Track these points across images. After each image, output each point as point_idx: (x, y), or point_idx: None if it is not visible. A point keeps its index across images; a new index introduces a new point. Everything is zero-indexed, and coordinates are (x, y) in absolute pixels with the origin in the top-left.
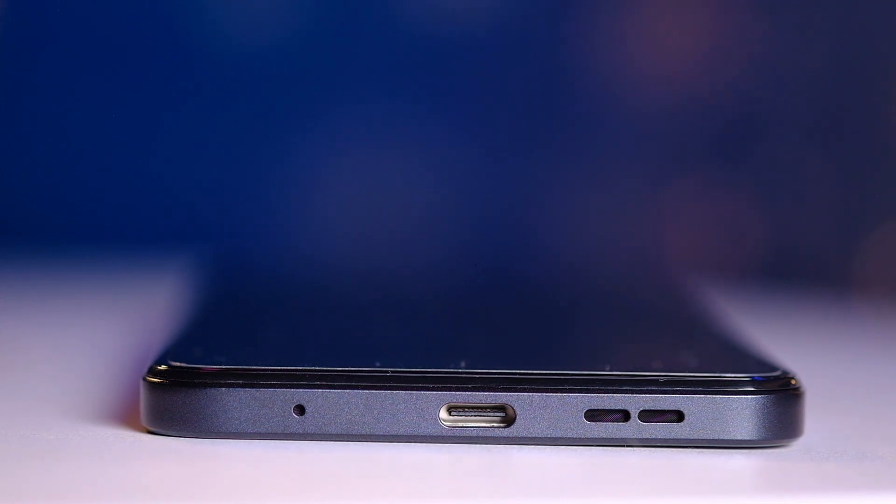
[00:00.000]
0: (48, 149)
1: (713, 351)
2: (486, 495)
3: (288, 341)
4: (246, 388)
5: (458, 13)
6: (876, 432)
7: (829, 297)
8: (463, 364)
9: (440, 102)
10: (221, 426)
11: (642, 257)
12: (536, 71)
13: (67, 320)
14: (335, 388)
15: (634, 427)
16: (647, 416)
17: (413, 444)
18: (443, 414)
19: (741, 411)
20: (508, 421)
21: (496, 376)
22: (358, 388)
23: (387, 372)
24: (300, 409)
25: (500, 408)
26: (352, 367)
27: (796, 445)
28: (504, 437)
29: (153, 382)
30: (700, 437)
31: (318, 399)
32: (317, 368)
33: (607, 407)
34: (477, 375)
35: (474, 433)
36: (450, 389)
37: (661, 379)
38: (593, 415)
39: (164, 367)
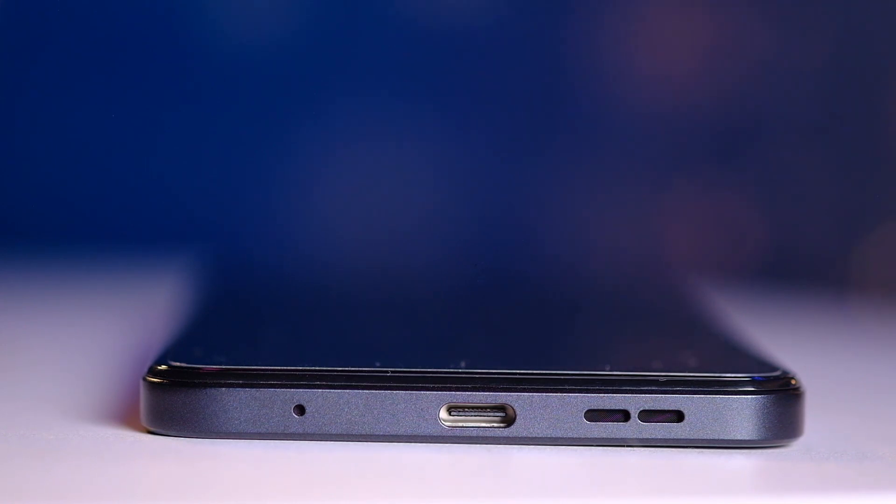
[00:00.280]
0: (48, 149)
1: (713, 351)
2: (486, 495)
3: (288, 341)
4: (246, 388)
5: (457, 13)
6: (876, 432)
7: (828, 298)
8: (463, 364)
9: (440, 102)
10: (221, 426)
11: (642, 257)
12: (536, 70)
13: (67, 320)
14: (335, 388)
15: (634, 427)
16: (647, 416)
17: (413, 444)
18: (443, 414)
19: (741, 411)
20: (508, 421)
21: (496, 376)
22: (358, 388)
23: (387, 372)
24: (300, 409)
25: (500, 408)
26: (352, 367)
27: (796, 445)
28: (504, 437)
29: (153, 382)
30: (700, 437)
31: (318, 399)
32: (317, 368)
33: (607, 407)
34: (477, 375)
35: (474, 433)
36: (450, 389)
37: (661, 379)
38: (593, 415)
39: (164, 367)
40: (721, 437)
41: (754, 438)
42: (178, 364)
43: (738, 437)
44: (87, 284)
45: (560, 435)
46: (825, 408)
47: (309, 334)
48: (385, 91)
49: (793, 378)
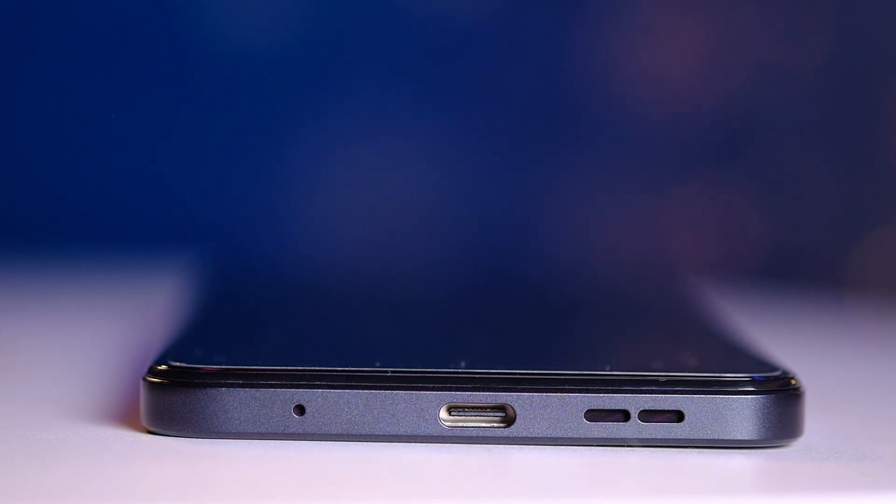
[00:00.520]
0: (48, 149)
1: (713, 351)
2: (486, 495)
3: (288, 341)
4: (246, 388)
5: (458, 12)
6: (876, 432)
7: (828, 298)
8: (463, 364)
9: (441, 102)
10: (221, 426)
11: (642, 257)
12: (536, 70)
13: (67, 320)
14: (335, 388)
15: (634, 427)
16: (647, 416)
17: (413, 444)
18: (443, 414)
19: (741, 411)
20: (508, 421)
21: (496, 376)
22: (358, 388)
23: (387, 372)
24: (300, 409)
25: (500, 408)
26: (352, 367)
27: (796, 445)
28: (504, 437)
29: (153, 382)
30: (700, 437)
31: (318, 399)
32: (317, 368)
33: (607, 407)
34: (477, 375)
35: (474, 433)
36: (450, 389)
37: (661, 379)
38: (593, 415)
39: (164, 367)
40: (721, 437)
41: (754, 438)
42: (178, 364)
43: (738, 437)
44: (87, 284)
45: (560, 435)
46: (825, 408)
47: (309, 334)
48: (385, 91)
49: (793, 378)
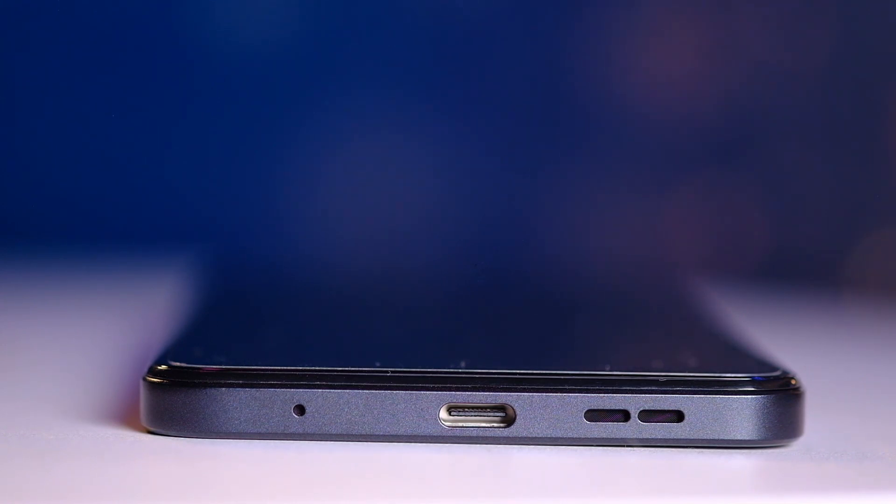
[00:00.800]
0: (48, 149)
1: (713, 351)
2: (486, 495)
3: (288, 341)
4: (246, 388)
5: (458, 12)
6: (876, 432)
7: (829, 297)
8: (463, 364)
9: (441, 102)
10: (221, 426)
11: (642, 257)
12: (537, 70)
13: (67, 320)
14: (335, 388)
15: (634, 427)
16: (647, 416)
17: (413, 444)
18: (443, 414)
19: (741, 411)
20: (508, 421)
21: (496, 376)
22: (358, 388)
23: (387, 372)
24: (300, 409)
25: (500, 408)
26: (352, 367)
27: (796, 445)
28: (504, 437)
29: (153, 382)
30: (700, 437)
31: (318, 399)
32: (317, 368)
33: (607, 407)
34: (477, 375)
35: (474, 433)
36: (450, 389)
37: (661, 379)
38: (593, 415)
39: (164, 367)
40: (721, 437)
41: (754, 438)
42: (178, 364)
43: (738, 437)
44: (87, 284)
45: (560, 435)
46: (825, 408)
47: (309, 334)
48: (385, 91)
49: (793, 378)
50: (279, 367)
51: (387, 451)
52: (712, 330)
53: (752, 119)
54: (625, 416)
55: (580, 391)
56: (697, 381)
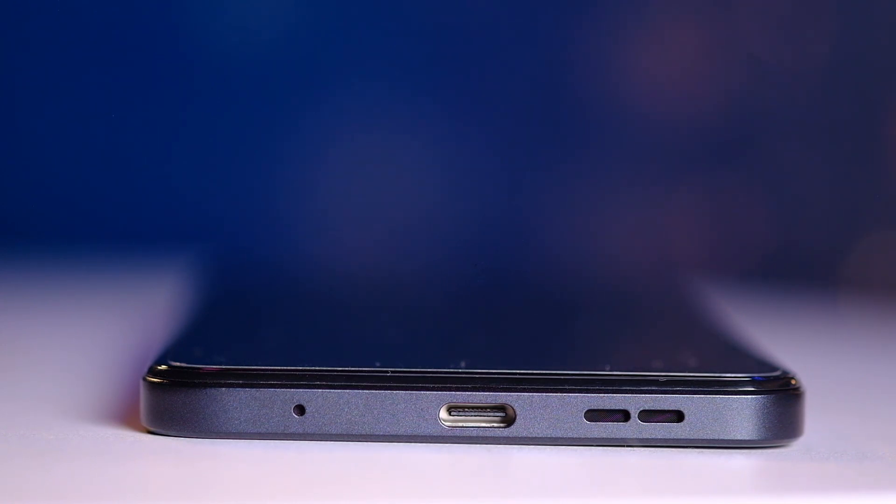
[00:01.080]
0: (48, 149)
1: (713, 351)
2: (486, 495)
3: (288, 341)
4: (246, 388)
5: (459, 11)
6: (876, 432)
7: (829, 298)
8: (463, 364)
9: (441, 102)
10: (221, 426)
11: (642, 257)
12: (537, 70)
13: (67, 320)
14: (335, 388)
15: (634, 427)
16: (647, 416)
17: (413, 444)
18: (443, 414)
19: (741, 411)
20: (508, 421)
21: (496, 376)
22: (358, 388)
23: (387, 372)
24: (300, 409)
25: (500, 408)
26: (352, 367)
27: (796, 445)
28: (504, 437)
29: (153, 382)
30: (700, 437)
31: (318, 399)
32: (317, 368)
33: (607, 407)
34: (477, 375)
35: (474, 433)
36: (450, 389)
37: (661, 379)
38: (593, 415)
39: (164, 367)
40: (721, 437)
41: (754, 438)
42: (178, 364)
43: (738, 437)
44: (87, 284)
45: (560, 435)
46: (825, 408)
47: (309, 334)
48: (385, 91)
49: (793, 378)
50: (279, 367)
51: (387, 451)
52: (712, 330)
53: (752, 119)
54: (625, 416)
55: (580, 391)
56: (697, 381)
